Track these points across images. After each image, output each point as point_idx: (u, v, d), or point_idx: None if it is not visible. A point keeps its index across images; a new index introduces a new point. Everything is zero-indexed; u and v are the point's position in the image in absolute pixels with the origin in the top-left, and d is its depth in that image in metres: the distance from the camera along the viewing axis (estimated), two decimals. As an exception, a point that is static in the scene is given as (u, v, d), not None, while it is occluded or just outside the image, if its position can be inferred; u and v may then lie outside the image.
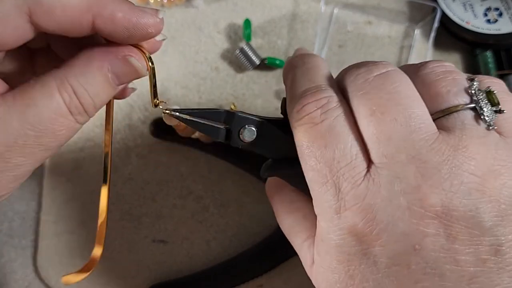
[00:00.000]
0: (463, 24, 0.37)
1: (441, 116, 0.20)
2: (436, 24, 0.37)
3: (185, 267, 0.36)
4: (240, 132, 0.23)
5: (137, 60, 0.21)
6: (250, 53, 0.37)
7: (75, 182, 0.38)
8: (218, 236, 0.36)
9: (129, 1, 0.20)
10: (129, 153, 0.38)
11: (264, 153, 0.24)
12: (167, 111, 0.23)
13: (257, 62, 0.37)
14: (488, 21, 0.37)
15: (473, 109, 0.19)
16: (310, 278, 0.23)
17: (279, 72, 0.38)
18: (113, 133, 0.38)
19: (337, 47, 0.39)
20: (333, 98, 0.20)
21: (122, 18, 0.20)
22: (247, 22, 0.38)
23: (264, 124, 0.23)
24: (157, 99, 0.23)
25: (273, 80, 0.38)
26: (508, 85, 0.36)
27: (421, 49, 0.38)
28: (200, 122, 0.23)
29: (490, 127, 0.19)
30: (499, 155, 0.19)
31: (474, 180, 0.18)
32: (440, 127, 0.19)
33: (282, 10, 0.40)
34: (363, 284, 0.19)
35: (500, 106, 0.20)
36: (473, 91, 0.20)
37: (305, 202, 0.24)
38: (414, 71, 0.21)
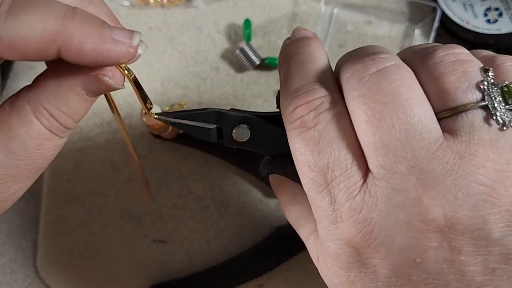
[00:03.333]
0: (463, 24, 0.37)
1: (448, 116, 0.17)
2: (436, 24, 0.37)
3: (185, 267, 0.36)
4: (233, 132, 0.22)
5: (110, 77, 0.19)
6: (250, 53, 0.37)
7: (75, 182, 0.38)
8: (218, 236, 0.36)
9: (100, 21, 0.18)
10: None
11: (260, 151, 0.23)
12: (156, 116, 0.22)
13: (257, 62, 0.37)
14: (488, 21, 0.37)
15: (485, 107, 0.17)
16: (318, 269, 0.22)
17: (279, 72, 0.39)
18: (113, 133, 0.38)
19: (337, 47, 0.39)
20: (327, 99, 0.19)
21: (91, 50, 0.17)
22: (247, 22, 0.38)
23: (258, 121, 0.22)
24: (150, 103, 0.22)
25: (273, 80, 0.38)
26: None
27: (421, 49, 0.38)
28: (190, 125, 0.22)
29: (504, 127, 0.17)
30: None
31: (482, 191, 0.17)
32: (445, 129, 0.17)
33: (282, 10, 0.40)
34: None
35: None
36: (485, 87, 0.17)
37: None
38: (420, 59, 0.19)
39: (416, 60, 0.19)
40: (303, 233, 0.23)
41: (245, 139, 0.22)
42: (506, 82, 0.17)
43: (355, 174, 0.18)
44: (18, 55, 0.17)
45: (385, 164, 0.17)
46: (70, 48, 0.17)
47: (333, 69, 0.21)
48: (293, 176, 0.22)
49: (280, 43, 0.39)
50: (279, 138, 0.21)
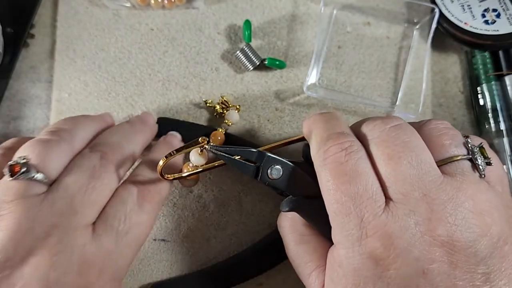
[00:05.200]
0: (462, 25, 0.37)
1: (444, 163, 0.23)
2: (434, 25, 0.37)
3: (186, 265, 0.37)
4: (268, 170, 0.26)
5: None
6: (250, 54, 0.38)
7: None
8: (218, 234, 0.37)
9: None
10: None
11: (286, 190, 0.27)
12: (207, 147, 0.26)
13: (257, 62, 0.38)
14: (486, 22, 0.37)
15: (470, 159, 0.24)
16: None
17: (279, 73, 0.39)
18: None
19: (336, 48, 0.39)
20: (354, 142, 0.24)
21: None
22: (247, 23, 0.38)
23: (289, 165, 0.26)
24: (203, 139, 0.27)
25: (273, 81, 0.39)
26: (507, 86, 0.37)
27: (420, 49, 0.38)
28: (235, 159, 0.26)
29: (483, 176, 0.23)
30: (489, 198, 0.23)
31: (473, 217, 0.22)
32: (443, 172, 0.23)
33: (282, 11, 0.40)
34: None
35: (490, 159, 0.24)
36: (469, 145, 0.24)
37: (316, 236, 0.28)
38: (419, 126, 0.25)
39: (414, 126, 0.25)
40: (306, 270, 0.27)
41: (277, 178, 0.26)
42: (482, 144, 0.24)
43: (380, 199, 0.23)
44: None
45: (404, 191, 0.22)
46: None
47: None
48: (307, 215, 0.27)
49: (280, 44, 0.39)
50: (304, 182, 0.26)
